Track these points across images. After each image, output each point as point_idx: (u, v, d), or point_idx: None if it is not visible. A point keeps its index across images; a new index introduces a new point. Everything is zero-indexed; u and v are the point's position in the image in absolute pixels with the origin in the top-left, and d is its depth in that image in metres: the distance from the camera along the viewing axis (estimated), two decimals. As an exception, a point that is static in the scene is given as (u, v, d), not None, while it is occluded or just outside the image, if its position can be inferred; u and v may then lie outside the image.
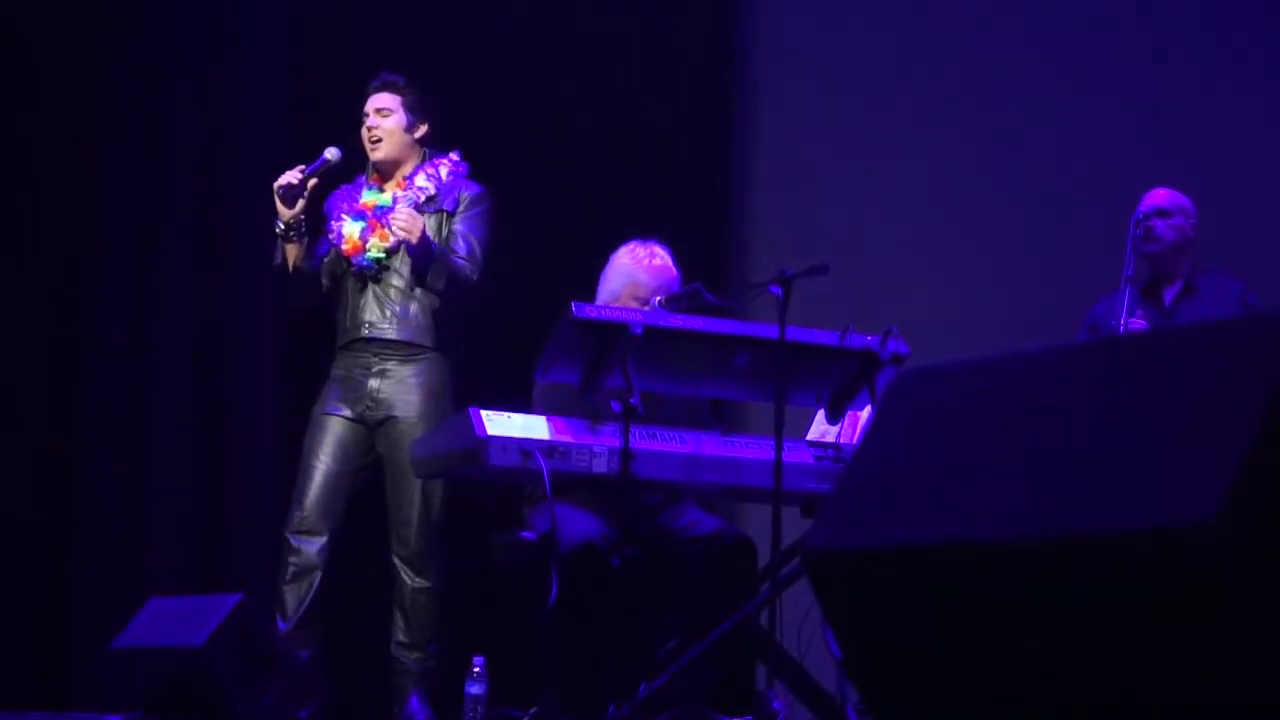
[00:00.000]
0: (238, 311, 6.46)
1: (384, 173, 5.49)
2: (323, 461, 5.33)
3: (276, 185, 5.31)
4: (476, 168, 5.58)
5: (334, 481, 5.33)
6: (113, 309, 6.39)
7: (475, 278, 5.36)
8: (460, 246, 5.38)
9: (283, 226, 5.34)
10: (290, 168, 5.34)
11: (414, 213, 5.29)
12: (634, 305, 4.98)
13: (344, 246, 5.40)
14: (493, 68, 6.91)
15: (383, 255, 5.37)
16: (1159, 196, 5.85)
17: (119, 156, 6.44)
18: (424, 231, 5.25)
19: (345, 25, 6.74)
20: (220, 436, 6.43)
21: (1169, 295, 5.87)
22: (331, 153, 5.38)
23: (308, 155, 5.41)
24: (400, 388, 5.36)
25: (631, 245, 5.22)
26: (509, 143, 6.76)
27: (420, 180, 5.45)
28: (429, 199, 5.43)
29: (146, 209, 6.45)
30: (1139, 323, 5.60)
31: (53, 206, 6.37)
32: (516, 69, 6.95)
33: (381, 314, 5.37)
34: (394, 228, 5.26)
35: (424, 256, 5.26)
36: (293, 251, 5.37)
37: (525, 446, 4.48)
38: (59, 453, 6.31)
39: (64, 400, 6.34)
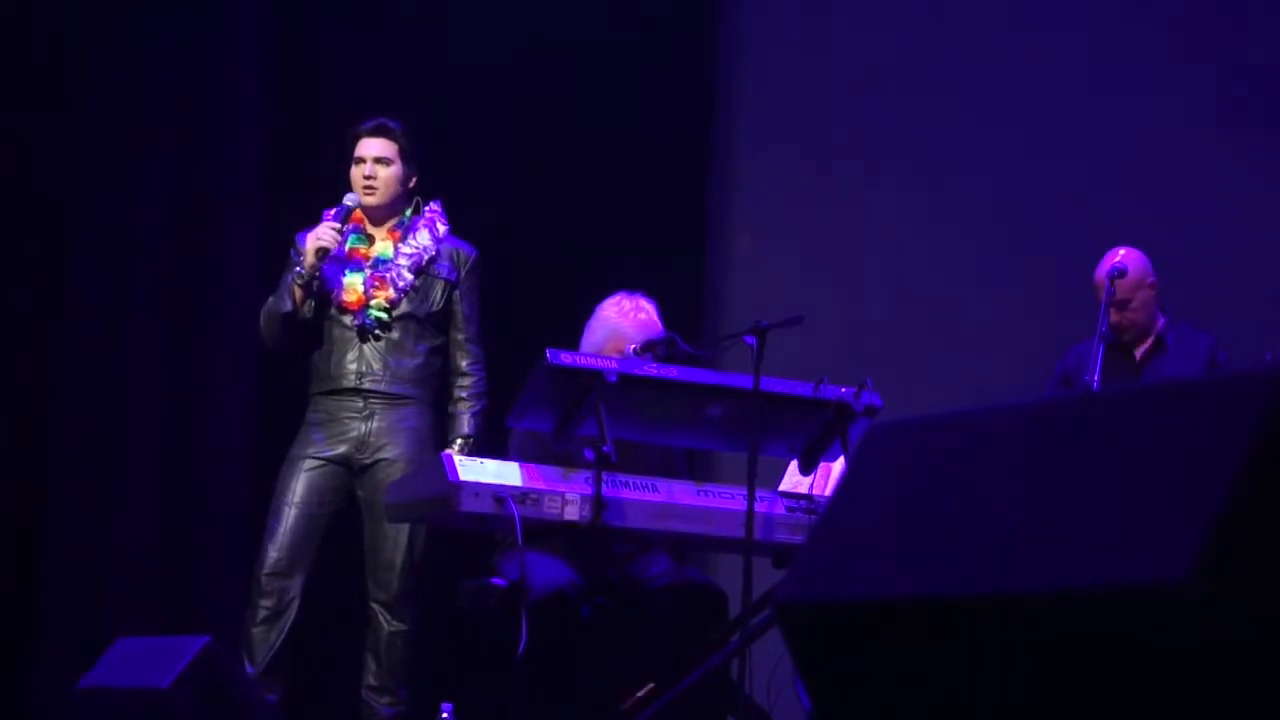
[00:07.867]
0: (212, 353, 6.45)
1: (372, 218, 5.46)
2: (296, 503, 5.27)
3: (315, 244, 5.25)
4: (458, 214, 5.58)
5: (308, 524, 5.27)
6: (85, 344, 6.37)
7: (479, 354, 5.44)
8: (470, 329, 5.42)
9: (305, 276, 5.30)
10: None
11: None
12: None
13: (345, 298, 5.34)
14: (472, 114, 6.93)
15: (385, 314, 5.33)
16: (1115, 279, 5.73)
17: (92, 173, 6.45)
18: None
19: (323, 63, 6.76)
20: (191, 476, 6.40)
21: (1139, 352, 5.91)
22: (351, 199, 5.37)
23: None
24: (390, 431, 5.32)
25: (618, 298, 5.22)
26: (487, 189, 6.77)
27: (424, 239, 5.41)
28: (431, 259, 5.41)
29: (119, 247, 6.45)
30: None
31: (23, 239, 6.37)
32: (495, 115, 6.96)
33: (373, 367, 5.33)
34: None
35: None
36: (302, 299, 5.34)
37: (497, 492, 4.47)
38: (27, 491, 6.28)
39: (34, 439, 6.32)
